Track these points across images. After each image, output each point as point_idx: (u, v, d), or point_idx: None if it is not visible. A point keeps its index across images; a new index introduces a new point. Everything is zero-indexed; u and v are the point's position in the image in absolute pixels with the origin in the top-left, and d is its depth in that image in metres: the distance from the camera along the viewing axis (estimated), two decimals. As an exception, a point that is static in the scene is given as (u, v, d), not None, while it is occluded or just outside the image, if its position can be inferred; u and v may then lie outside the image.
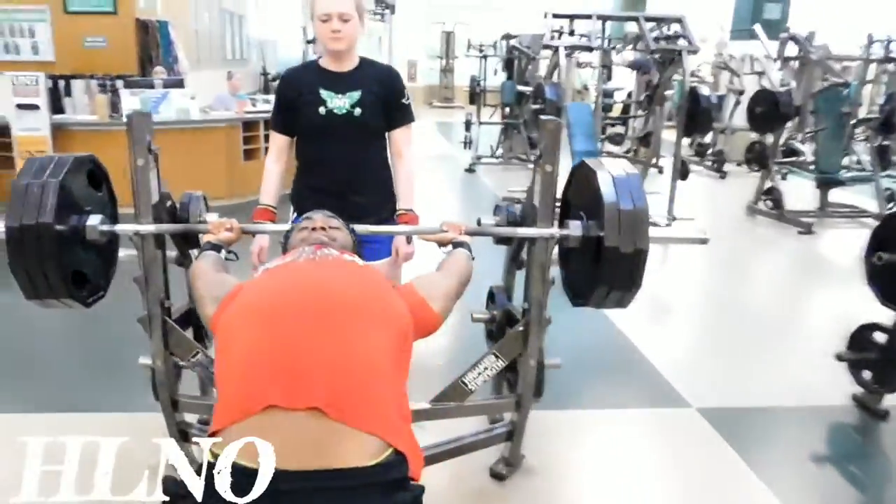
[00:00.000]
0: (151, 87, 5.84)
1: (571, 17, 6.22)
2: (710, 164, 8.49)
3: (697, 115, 5.50)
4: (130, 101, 5.58)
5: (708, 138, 8.74)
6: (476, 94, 8.91)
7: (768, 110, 5.91)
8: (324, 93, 2.08)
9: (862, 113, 7.65)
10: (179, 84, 5.88)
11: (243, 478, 0.99)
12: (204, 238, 1.81)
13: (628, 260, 1.71)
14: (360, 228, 1.89)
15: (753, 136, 7.57)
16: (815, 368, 2.96)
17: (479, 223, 2.04)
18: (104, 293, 1.86)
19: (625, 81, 9.79)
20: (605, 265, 1.73)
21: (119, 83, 5.87)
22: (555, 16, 5.76)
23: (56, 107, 5.47)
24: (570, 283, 1.97)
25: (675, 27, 5.61)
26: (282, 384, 1.10)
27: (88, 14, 6.20)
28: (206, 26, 9.04)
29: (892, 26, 7.97)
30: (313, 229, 1.66)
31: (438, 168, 8.58)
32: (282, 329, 1.20)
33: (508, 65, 9.04)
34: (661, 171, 6.57)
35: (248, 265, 2.14)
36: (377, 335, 1.24)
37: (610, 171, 1.79)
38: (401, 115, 2.19)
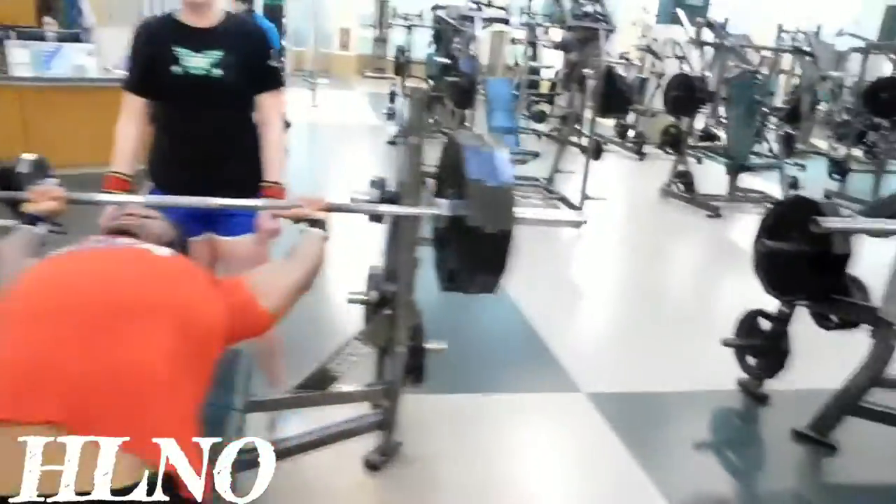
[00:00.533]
0: (43, 39, 5.38)
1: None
2: (630, 146, 8.58)
3: (612, 95, 5.49)
4: (19, 53, 5.13)
5: (630, 120, 8.83)
6: (402, 65, 8.69)
7: (683, 94, 5.97)
8: (179, 50, 1.87)
9: (777, 103, 7.88)
10: (76, 38, 5.43)
11: None
12: (25, 207, 1.60)
13: (492, 241, 1.61)
14: (208, 202, 1.71)
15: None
16: (711, 354, 2.99)
17: (351, 200, 1.91)
18: None
19: (556, 60, 9.77)
20: (467, 246, 1.63)
21: (12, 34, 5.37)
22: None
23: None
24: (440, 267, 1.87)
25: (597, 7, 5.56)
26: (12, 394, 0.97)
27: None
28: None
29: (812, 17, 8.22)
30: (126, 214, 1.49)
31: (361, 139, 8.37)
32: (31, 332, 1.06)
33: (437, 37, 8.84)
34: (583, 151, 6.58)
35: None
36: (157, 340, 1.09)
37: (477, 145, 1.68)
38: (267, 78, 2.02)
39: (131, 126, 1.97)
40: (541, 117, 8.93)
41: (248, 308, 1.32)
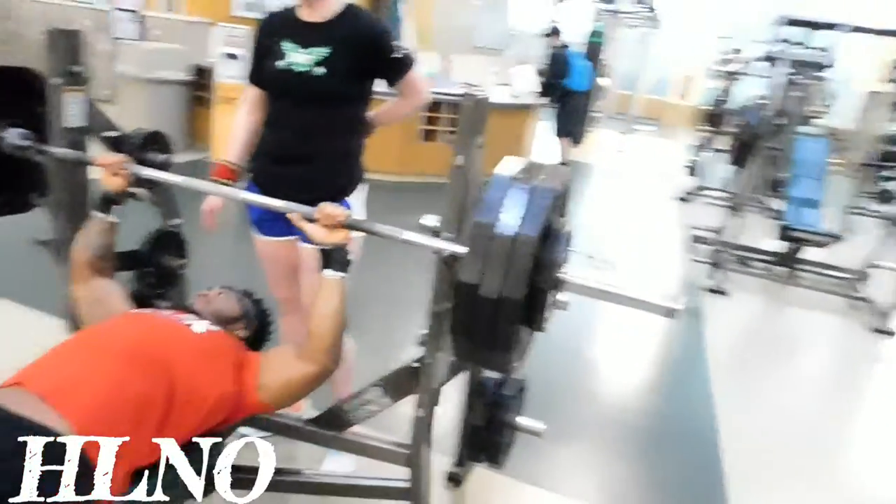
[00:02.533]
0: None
1: (813, 25, 4.86)
2: None
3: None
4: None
5: None
6: (716, 116, 7.83)
7: None
8: (286, 45, 1.81)
9: None
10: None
11: None
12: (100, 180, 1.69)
13: (491, 306, 1.20)
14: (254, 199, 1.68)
15: None
16: None
17: (421, 226, 1.63)
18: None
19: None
20: (460, 304, 1.24)
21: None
22: (790, 22, 4.62)
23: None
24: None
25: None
26: (34, 373, 1.25)
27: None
28: (452, 10, 9.24)
29: None
30: (199, 295, 1.71)
31: (649, 190, 7.78)
32: (79, 353, 1.34)
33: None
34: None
35: (141, 215, 2.00)
36: (147, 388, 1.27)
37: (516, 174, 1.28)
38: (395, 69, 1.87)
39: (246, 116, 1.98)
40: (887, 197, 7.18)
41: (248, 396, 1.44)
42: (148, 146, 1.94)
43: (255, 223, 2.02)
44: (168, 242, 2.13)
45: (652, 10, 10.02)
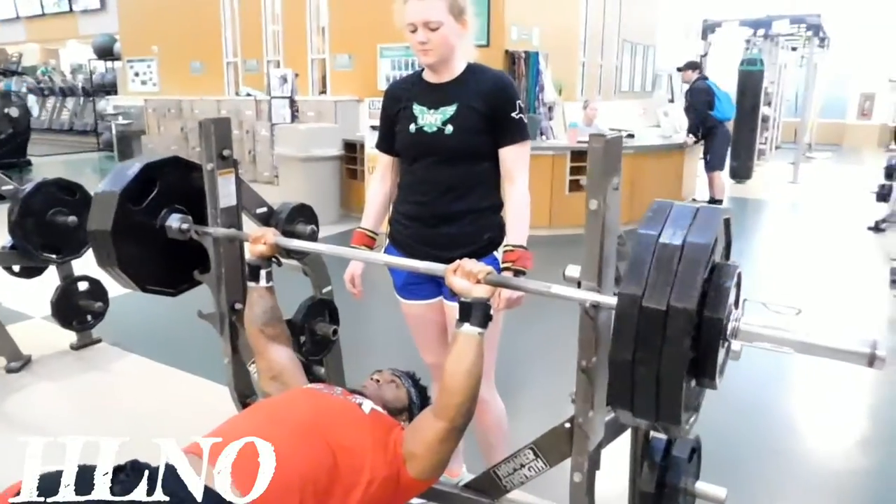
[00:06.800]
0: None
1: None
2: None
3: None
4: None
5: None
6: (907, 133, 6.93)
7: None
8: (416, 108, 1.84)
9: None
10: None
11: None
12: (248, 251, 1.78)
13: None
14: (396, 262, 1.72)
15: None
16: None
17: (563, 275, 1.52)
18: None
19: None
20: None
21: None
22: None
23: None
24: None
25: None
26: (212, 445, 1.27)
27: (468, 48, 6.87)
28: (595, 58, 9.16)
29: None
30: (371, 378, 1.75)
31: (832, 222, 6.99)
32: (249, 420, 1.46)
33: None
34: None
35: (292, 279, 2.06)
36: (307, 460, 1.29)
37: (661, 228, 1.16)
38: (510, 131, 1.81)
39: (380, 183, 2.01)
40: None
41: (402, 473, 1.41)
42: (295, 219, 2.04)
43: (399, 288, 2.01)
44: (320, 310, 2.19)
45: (815, 28, 9.25)
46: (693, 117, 7.03)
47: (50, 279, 3.27)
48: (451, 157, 1.82)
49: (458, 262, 1.43)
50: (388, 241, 2.00)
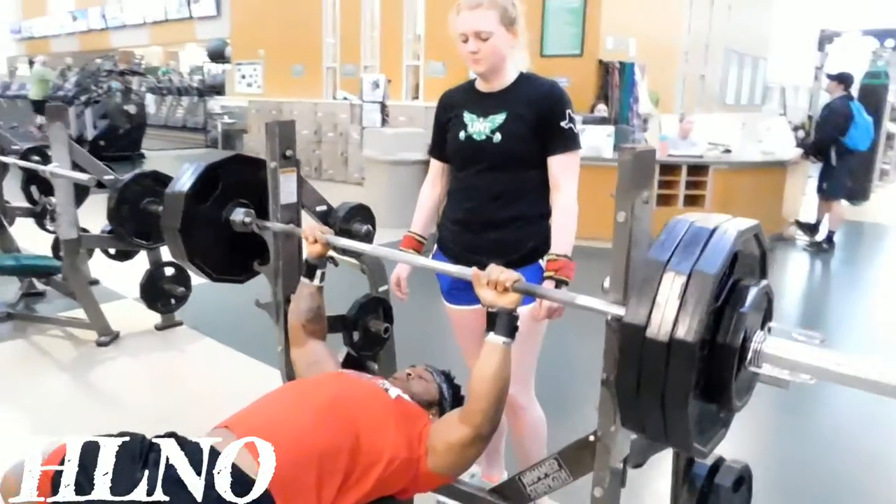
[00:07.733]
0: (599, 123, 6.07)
1: None
2: None
3: None
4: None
5: None
6: None
7: None
8: (467, 116, 1.86)
9: None
10: (602, 121, 5.96)
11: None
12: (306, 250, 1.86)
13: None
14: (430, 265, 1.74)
15: None
16: None
17: (603, 289, 1.50)
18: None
19: None
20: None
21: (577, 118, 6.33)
22: None
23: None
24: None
25: None
26: (241, 417, 1.39)
27: (559, 57, 6.85)
28: (696, 69, 8.83)
29: None
30: (406, 372, 1.77)
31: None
32: (283, 399, 1.49)
33: None
34: None
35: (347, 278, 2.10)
36: (330, 439, 1.33)
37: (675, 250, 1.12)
38: (558, 140, 1.80)
39: (430, 189, 2.05)
40: None
41: (419, 464, 1.42)
42: (352, 218, 2.10)
43: (445, 292, 2.04)
44: (374, 307, 2.24)
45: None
46: (819, 136, 6.26)
47: (143, 263, 3.54)
48: (498, 164, 1.83)
49: (486, 268, 1.43)
50: (436, 245, 2.03)
